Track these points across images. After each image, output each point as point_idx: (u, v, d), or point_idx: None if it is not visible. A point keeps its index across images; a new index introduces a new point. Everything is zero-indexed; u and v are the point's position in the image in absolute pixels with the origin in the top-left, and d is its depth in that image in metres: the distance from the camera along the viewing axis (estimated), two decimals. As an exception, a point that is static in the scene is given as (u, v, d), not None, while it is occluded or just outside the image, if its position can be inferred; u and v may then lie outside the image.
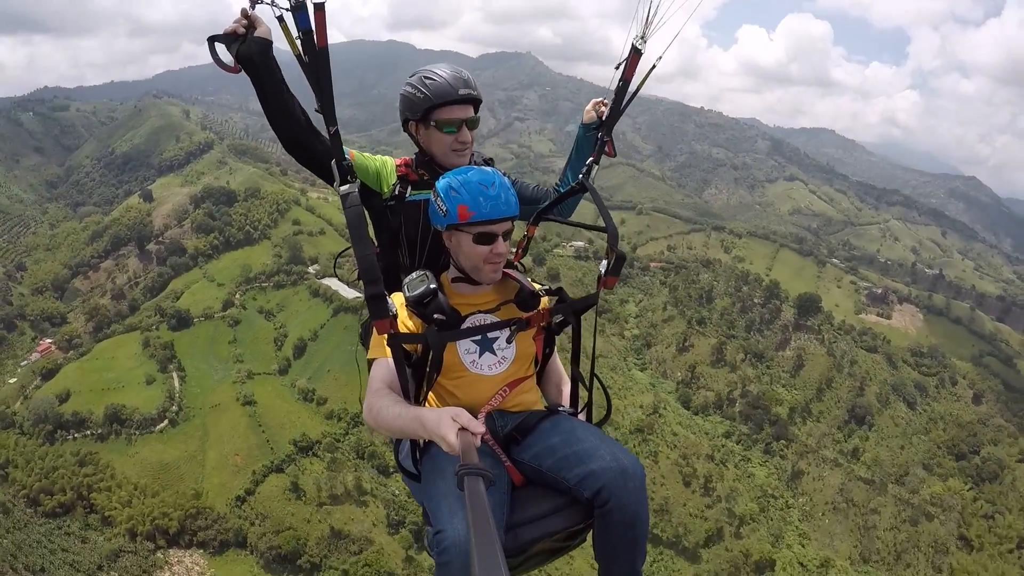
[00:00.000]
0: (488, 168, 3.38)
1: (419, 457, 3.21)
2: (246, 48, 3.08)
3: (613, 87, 3.94)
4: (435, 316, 3.16)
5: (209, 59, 3.14)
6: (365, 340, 3.58)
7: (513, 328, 3.37)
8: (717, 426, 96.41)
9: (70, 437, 77.56)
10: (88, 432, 78.20)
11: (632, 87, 3.91)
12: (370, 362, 3.31)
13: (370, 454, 76.18)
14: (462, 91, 3.52)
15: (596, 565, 3.15)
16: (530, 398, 3.51)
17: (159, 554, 65.44)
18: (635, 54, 3.74)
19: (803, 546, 79.60)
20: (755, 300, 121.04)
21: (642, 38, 3.68)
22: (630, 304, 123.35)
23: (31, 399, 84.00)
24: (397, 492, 70.65)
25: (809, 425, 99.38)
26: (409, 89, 3.62)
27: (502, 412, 3.36)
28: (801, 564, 76.30)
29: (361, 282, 3.01)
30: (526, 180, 4.38)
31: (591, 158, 4.05)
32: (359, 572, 62.98)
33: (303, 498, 70.10)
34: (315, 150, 3.37)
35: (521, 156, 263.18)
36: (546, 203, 4.18)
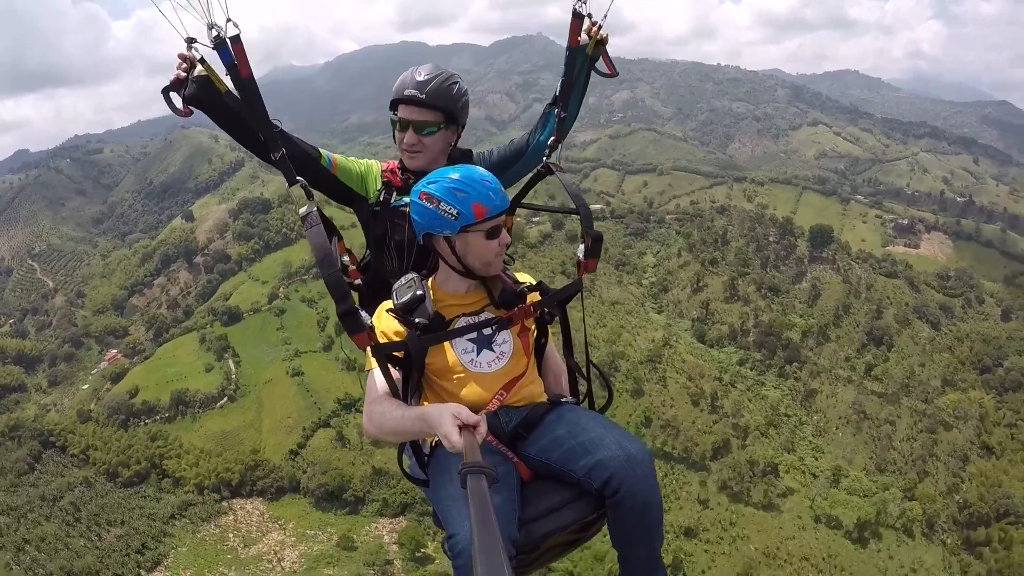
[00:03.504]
0: (466, 165, 3.42)
1: (426, 462, 3.30)
2: (189, 91, 3.26)
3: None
4: (417, 321, 3.26)
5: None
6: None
7: (494, 328, 3.43)
8: (731, 356, 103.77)
9: (142, 423, 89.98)
10: (157, 417, 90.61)
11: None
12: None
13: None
14: (406, 92, 3.65)
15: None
16: (534, 390, 3.54)
17: (223, 503, 77.45)
18: (576, 18, 3.72)
19: (816, 459, 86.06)
20: (769, 239, 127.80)
21: (582, 1, 3.66)
22: (648, 256, 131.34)
23: (103, 399, 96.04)
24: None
25: (824, 348, 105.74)
26: None
27: (507, 408, 3.39)
28: (812, 475, 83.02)
29: (332, 297, 3.07)
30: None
31: (552, 137, 4.03)
32: (397, 499, 73.85)
33: (347, 445, 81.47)
34: (293, 159, 3.43)
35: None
36: (522, 187, 4.22)
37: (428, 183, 3.25)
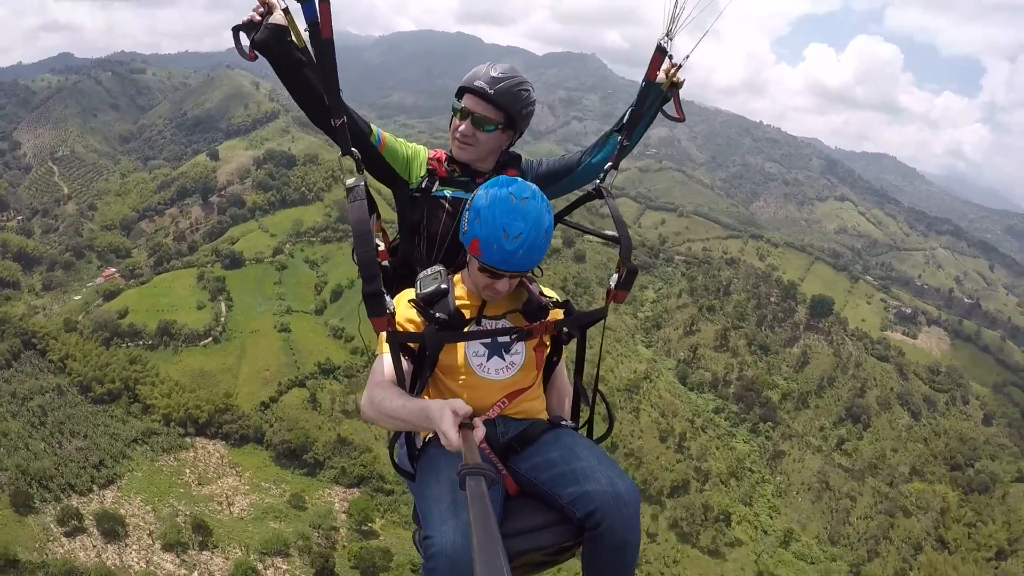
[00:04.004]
0: (523, 198, 3.18)
1: (416, 457, 3.34)
2: (260, 36, 3.23)
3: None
4: (437, 316, 3.26)
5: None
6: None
7: (514, 337, 3.43)
8: (709, 402, 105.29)
9: (124, 344, 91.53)
10: (140, 342, 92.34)
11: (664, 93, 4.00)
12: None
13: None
14: (476, 83, 3.64)
15: None
16: (535, 406, 3.58)
17: (187, 439, 78.95)
18: (659, 53, 3.73)
19: (771, 518, 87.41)
20: (771, 299, 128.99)
21: (667, 36, 3.65)
22: (649, 291, 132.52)
23: (92, 314, 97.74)
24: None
25: (801, 414, 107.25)
26: None
27: (505, 418, 3.42)
28: (764, 531, 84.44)
29: (361, 276, 3.07)
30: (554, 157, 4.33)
31: (609, 162, 4.03)
32: (355, 471, 75.38)
33: (318, 409, 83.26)
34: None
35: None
36: (569, 204, 4.29)
37: (486, 191, 3.22)
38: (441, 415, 2.60)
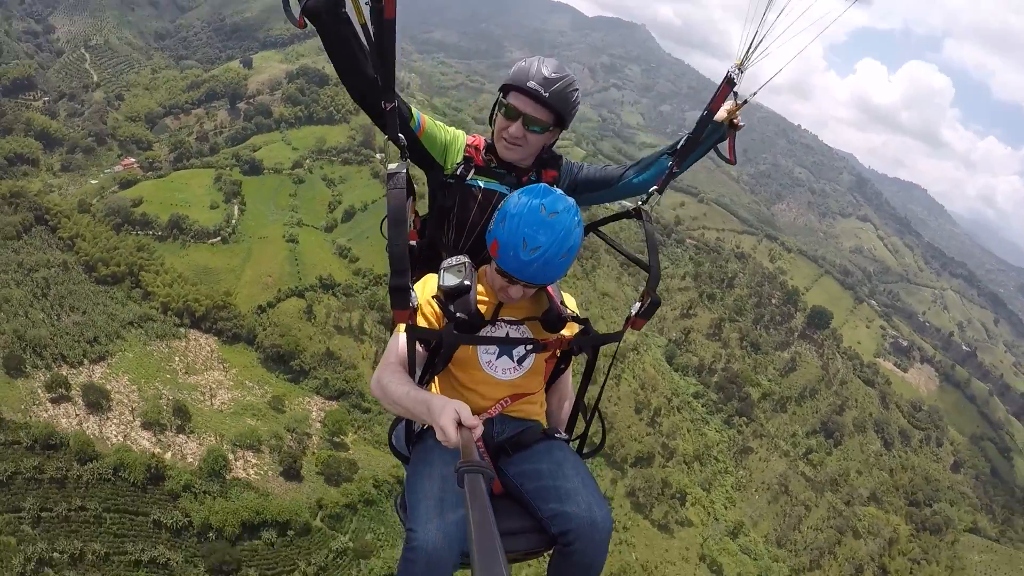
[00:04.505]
0: (554, 212, 3.14)
1: (413, 443, 3.45)
2: (313, 2, 3.07)
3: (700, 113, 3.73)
4: (458, 315, 3.28)
5: None
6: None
7: (528, 348, 3.48)
8: (690, 386, 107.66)
9: (134, 232, 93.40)
10: (151, 232, 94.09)
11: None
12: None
13: (379, 307, 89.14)
14: (530, 84, 3.49)
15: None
16: (534, 408, 3.64)
17: (181, 329, 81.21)
18: (727, 85, 3.58)
19: (725, 508, 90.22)
20: (772, 300, 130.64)
21: (740, 69, 3.49)
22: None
23: (107, 199, 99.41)
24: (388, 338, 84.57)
25: (777, 417, 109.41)
26: (515, 65, 3.68)
27: (502, 416, 3.48)
28: (715, 518, 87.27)
29: (390, 268, 3.00)
30: (595, 163, 4.27)
31: (655, 187, 3.97)
32: (337, 383, 78.20)
33: (312, 320, 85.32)
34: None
35: (607, 121, 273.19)
36: (606, 217, 4.33)
37: (518, 197, 3.22)
38: (442, 411, 2.65)
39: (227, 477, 62.60)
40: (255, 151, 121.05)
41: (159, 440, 64.22)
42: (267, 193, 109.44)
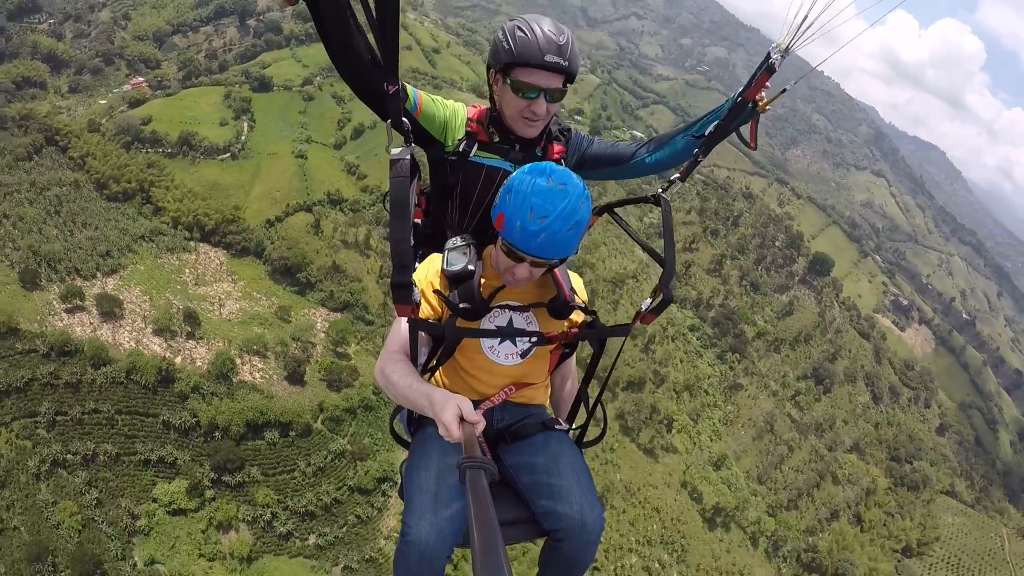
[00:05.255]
0: (561, 184, 3.03)
1: (414, 430, 3.52)
2: None
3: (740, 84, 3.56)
4: (461, 306, 3.27)
5: None
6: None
7: (533, 341, 3.44)
8: (686, 319, 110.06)
9: (144, 150, 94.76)
10: (160, 150, 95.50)
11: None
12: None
13: (384, 223, 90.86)
14: (548, 58, 3.27)
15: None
16: (537, 395, 3.65)
17: (191, 243, 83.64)
18: (766, 72, 3.35)
19: (711, 440, 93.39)
20: (776, 243, 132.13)
21: (784, 51, 3.25)
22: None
23: (116, 118, 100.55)
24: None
25: (770, 358, 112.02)
26: (500, 35, 3.41)
27: (505, 402, 3.51)
28: (700, 448, 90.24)
29: (392, 263, 2.91)
30: (603, 138, 4.10)
31: (677, 175, 3.77)
32: (342, 296, 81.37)
33: (320, 235, 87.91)
34: (378, 92, 2.99)
35: (625, 51, 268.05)
36: (622, 199, 4.09)
37: (522, 174, 3.11)
38: (444, 406, 2.66)
39: (234, 380, 66.22)
40: (265, 68, 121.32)
41: (170, 345, 67.55)
42: (277, 110, 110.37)
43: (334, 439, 65.83)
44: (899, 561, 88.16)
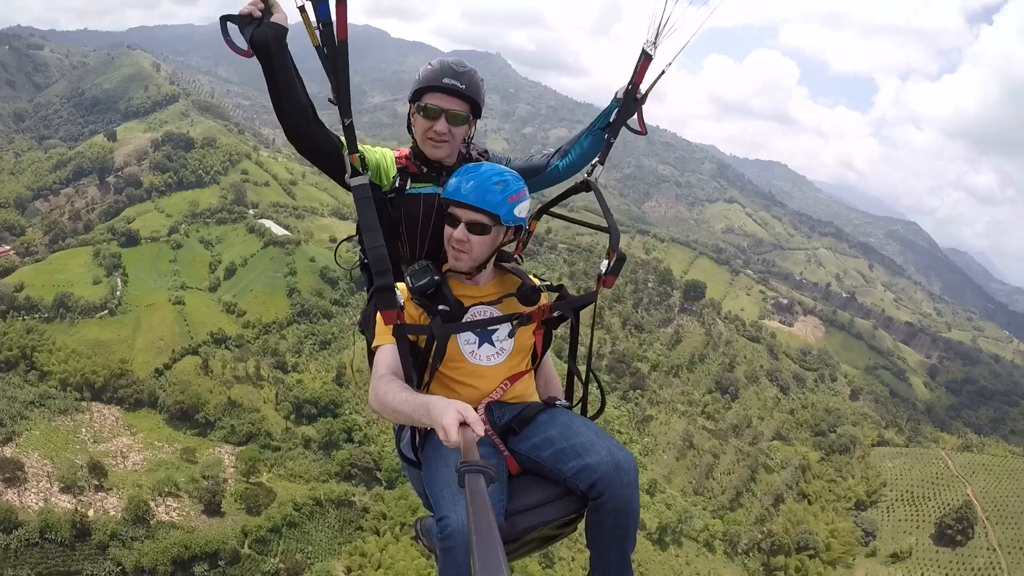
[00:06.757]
0: (481, 162, 3.65)
1: (420, 446, 3.47)
2: (261, 33, 3.09)
3: (620, 93, 4.21)
4: (440, 308, 3.45)
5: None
6: (365, 327, 3.74)
7: (515, 323, 3.59)
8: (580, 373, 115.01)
9: (21, 317, 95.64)
10: (37, 315, 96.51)
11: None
12: (372, 353, 3.51)
13: (272, 352, 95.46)
14: (445, 80, 3.67)
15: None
16: (527, 390, 3.77)
17: (83, 403, 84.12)
18: (645, 59, 4.00)
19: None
20: (648, 283, 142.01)
21: (653, 43, 3.91)
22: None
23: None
24: (288, 383, 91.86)
25: (671, 385, 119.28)
26: (416, 74, 3.82)
27: (500, 403, 3.60)
28: None
29: (372, 271, 3.27)
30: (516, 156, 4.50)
31: (596, 159, 4.32)
32: (244, 428, 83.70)
33: (210, 375, 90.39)
34: (319, 141, 3.49)
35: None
36: (550, 199, 4.57)
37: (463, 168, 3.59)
38: (444, 411, 2.66)
39: (151, 522, 66.83)
40: (130, 223, 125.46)
41: (80, 500, 67.74)
42: (147, 262, 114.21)
43: (265, 560, 66.46)
44: (856, 516, 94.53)
